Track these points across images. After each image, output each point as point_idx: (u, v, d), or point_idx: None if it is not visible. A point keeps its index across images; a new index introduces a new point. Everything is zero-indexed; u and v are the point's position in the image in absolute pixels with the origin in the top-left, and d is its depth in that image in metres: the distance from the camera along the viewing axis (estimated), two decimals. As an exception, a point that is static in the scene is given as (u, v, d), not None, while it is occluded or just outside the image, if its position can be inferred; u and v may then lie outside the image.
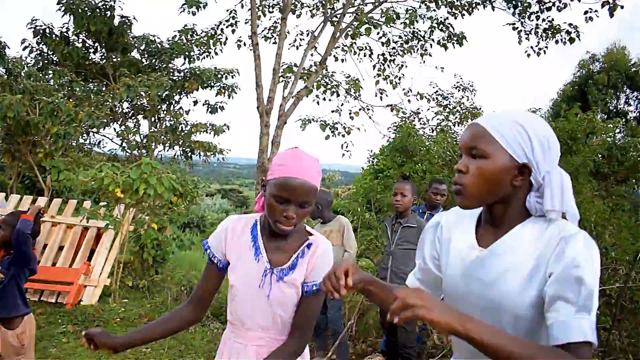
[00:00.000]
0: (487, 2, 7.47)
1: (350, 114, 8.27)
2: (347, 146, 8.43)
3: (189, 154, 10.11)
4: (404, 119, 7.73)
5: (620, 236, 4.39)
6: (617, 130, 7.53)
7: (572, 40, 6.65)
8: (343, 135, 8.14)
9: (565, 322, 1.13)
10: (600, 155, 5.91)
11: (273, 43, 8.86)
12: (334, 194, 20.21)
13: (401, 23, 7.65)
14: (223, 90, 9.99)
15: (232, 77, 10.03)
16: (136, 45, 9.18)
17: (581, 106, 6.54)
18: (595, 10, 6.27)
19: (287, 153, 1.70)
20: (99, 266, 5.75)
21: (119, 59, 9.04)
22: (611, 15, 5.90)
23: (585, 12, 6.47)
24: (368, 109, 8.74)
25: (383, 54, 8.90)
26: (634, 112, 19.30)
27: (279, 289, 1.69)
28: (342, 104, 8.55)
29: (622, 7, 5.86)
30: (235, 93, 10.16)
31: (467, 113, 6.77)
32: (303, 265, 1.71)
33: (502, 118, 1.30)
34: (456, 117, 6.77)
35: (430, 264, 1.51)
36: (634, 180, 6.96)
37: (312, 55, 7.69)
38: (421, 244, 1.55)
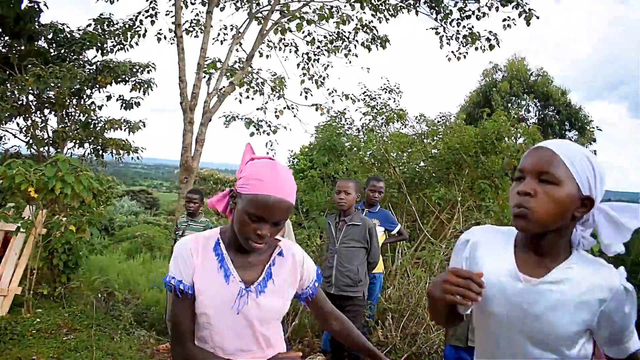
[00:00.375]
0: (411, 7, 7.68)
1: (275, 112, 8.16)
2: (271, 145, 8.32)
3: (100, 152, 9.49)
4: (331, 118, 7.73)
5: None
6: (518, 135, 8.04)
7: (491, 47, 7.00)
8: (268, 134, 8.03)
9: (633, 344, 1.34)
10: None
11: (195, 37, 8.57)
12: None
13: (334, 22, 7.67)
14: (138, 86, 9.47)
15: (148, 72, 9.55)
16: (44, 33, 8.45)
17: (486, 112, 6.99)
18: (513, 19, 6.65)
19: (264, 166, 1.53)
20: (9, 273, 5.19)
21: (24, 48, 8.27)
22: (527, 24, 6.27)
23: (504, 20, 6.85)
24: (292, 108, 8.69)
25: (307, 53, 8.90)
26: (534, 118, 20.80)
27: (257, 307, 1.56)
28: (266, 102, 8.44)
29: (537, 17, 6.24)
30: (152, 89, 9.69)
31: (392, 115, 6.89)
32: (282, 274, 1.62)
33: (572, 148, 1.31)
34: (382, 118, 6.88)
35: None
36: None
37: (237, 50, 7.50)
38: (453, 259, 1.54)
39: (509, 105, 21.65)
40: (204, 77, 7.08)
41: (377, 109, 6.92)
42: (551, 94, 21.73)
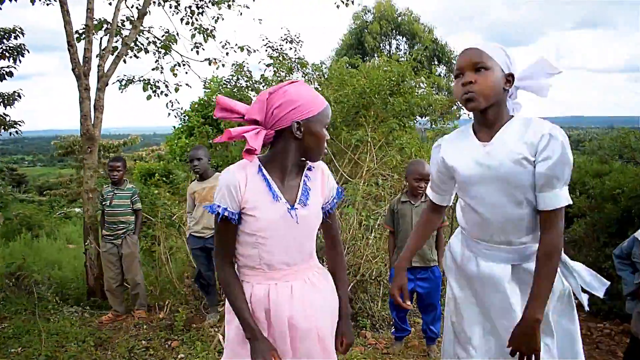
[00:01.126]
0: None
1: (172, 71, 7.92)
2: (172, 105, 8.13)
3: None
4: (235, 71, 7.69)
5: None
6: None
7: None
8: (166, 95, 7.81)
9: (557, 194, 1.72)
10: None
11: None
12: (137, 157, 19.17)
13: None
14: (7, 54, 8.60)
15: (16, 38, 8.67)
16: None
17: (361, 53, 7.46)
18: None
19: (304, 89, 1.73)
20: None
21: None
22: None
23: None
24: (184, 64, 8.46)
25: (190, 7, 8.61)
26: (403, 57, 21.93)
27: (302, 220, 1.77)
28: (156, 60, 8.12)
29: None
30: (23, 56, 8.84)
31: (293, 65, 7.08)
32: (316, 187, 1.84)
33: (489, 44, 1.79)
34: (285, 69, 7.02)
35: (437, 176, 2.03)
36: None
37: (125, 7, 7.09)
38: (431, 164, 2.07)
39: (381, 45, 22.59)
40: (95, 39, 6.67)
41: (280, 60, 7.04)
42: (417, 32, 23.00)
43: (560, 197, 1.71)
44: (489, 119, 1.81)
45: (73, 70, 6.43)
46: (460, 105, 1.92)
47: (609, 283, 1.90)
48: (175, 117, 12.05)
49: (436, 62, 22.09)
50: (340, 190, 1.96)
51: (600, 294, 1.87)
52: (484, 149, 1.81)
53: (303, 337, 1.79)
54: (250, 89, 7.50)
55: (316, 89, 6.74)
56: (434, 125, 8.02)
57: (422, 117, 7.98)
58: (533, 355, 1.70)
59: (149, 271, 6.29)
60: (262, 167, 1.76)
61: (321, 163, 1.90)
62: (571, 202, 1.75)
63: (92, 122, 6.52)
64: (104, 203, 5.17)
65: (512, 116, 1.85)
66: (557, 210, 1.71)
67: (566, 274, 1.90)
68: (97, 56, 6.56)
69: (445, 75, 22.01)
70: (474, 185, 1.84)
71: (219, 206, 1.70)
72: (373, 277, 4.68)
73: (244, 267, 1.81)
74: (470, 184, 1.85)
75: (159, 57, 8.14)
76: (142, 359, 4.01)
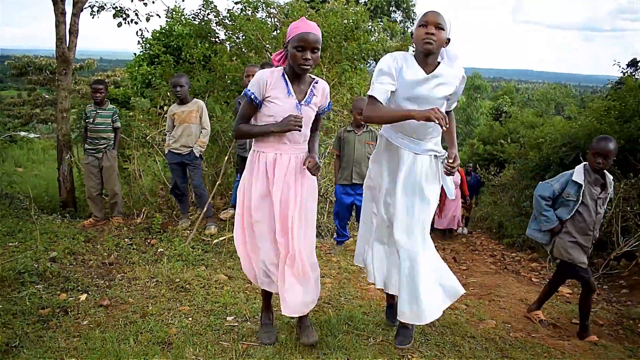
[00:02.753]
0: None
1: (143, 0, 8.25)
2: (141, 33, 8.53)
3: None
4: (204, 3, 8.12)
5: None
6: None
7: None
8: (136, 22, 8.19)
9: (452, 105, 2.96)
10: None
11: None
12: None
13: None
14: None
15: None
16: None
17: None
18: None
19: (295, 22, 2.62)
20: None
21: None
22: None
23: None
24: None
25: None
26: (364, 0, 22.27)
27: (305, 112, 2.72)
28: (125, -11, 8.44)
29: None
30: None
31: (258, 4, 7.62)
32: (318, 94, 2.78)
33: (443, 14, 2.67)
34: (251, 7, 7.54)
35: (392, 73, 2.74)
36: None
37: None
38: (382, 64, 2.78)
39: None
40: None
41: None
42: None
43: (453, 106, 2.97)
44: (431, 59, 2.75)
45: (50, -6, 6.78)
46: (415, 44, 2.79)
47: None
48: (138, 43, 12.32)
49: (394, 8, 22.53)
50: (330, 103, 2.93)
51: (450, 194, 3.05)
52: (426, 76, 2.75)
53: (290, 191, 2.77)
54: (217, 24, 7.99)
55: (279, 28, 7.37)
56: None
57: (375, 61, 8.75)
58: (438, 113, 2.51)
59: (123, 186, 6.96)
60: (285, 73, 2.70)
61: (324, 83, 2.84)
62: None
63: (67, 45, 6.95)
64: (87, 120, 5.77)
65: (439, 62, 2.82)
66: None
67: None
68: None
69: (401, 21, 22.57)
70: (415, 98, 2.75)
71: (249, 90, 2.68)
72: (321, 194, 5.59)
73: (261, 141, 2.77)
74: (412, 96, 2.75)
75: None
76: (127, 252, 4.82)
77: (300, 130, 2.68)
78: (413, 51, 2.88)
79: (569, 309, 4.69)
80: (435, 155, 2.89)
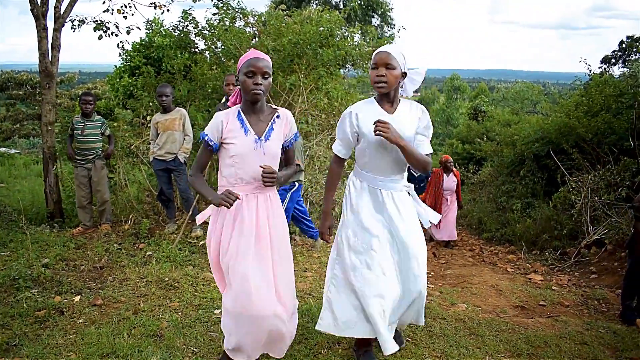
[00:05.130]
0: None
1: (120, 12, 8.43)
2: (122, 45, 8.70)
3: None
4: (183, 16, 8.35)
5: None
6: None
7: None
8: (117, 35, 8.37)
9: (425, 144, 2.83)
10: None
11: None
12: (75, 95, 19.09)
13: None
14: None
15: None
16: None
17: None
18: None
19: (246, 54, 2.58)
20: None
21: None
22: None
23: None
24: (130, 5, 8.95)
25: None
26: (341, 4, 22.63)
27: (267, 147, 2.61)
28: (104, 2, 8.59)
29: None
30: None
31: (236, 14, 7.87)
32: (280, 128, 2.68)
33: (395, 50, 2.69)
34: (229, 18, 7.78)
35: (350, 136, 2.82)
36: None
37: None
38: (342, 126, 2.85)
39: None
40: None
41: (224, 9, 7.79)
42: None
43: (428, 147, 2.85)
44: (390, 98, 2.77)
45: (32, 11, 6.95)
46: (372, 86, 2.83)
47: (439, 217, 3.09)
48: (119, 55, 12.47)
49: (371, 13, 22.92)
50: (296, 134, 2.81)
51: (426, 224, 2.97)
52: (391, 116, 2.75)
53: (263, 231, 2.64)
54: (196, 34, 8.21)
55: (258, 37, 7.63)
56: (363, 74, 9.09)
57: (353, 66, 9.02)
58: (387, 132, 2.56)
59: (110, 194, 7.14)
60: (241, 112, 2.62)
61: (287, 113, 2.73)
62: (431, 150, 2.86)
63: (50, 60, 7.12)
64: (75, 131, 5.96)
65: (400, 98, 2.85)
66: (428, 154, 2.81)
67: (416, 204, 3.00)
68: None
69: (379, 25, 22.97)
70: (377, 143, 2.74)
71: (206, 135, 2.60)
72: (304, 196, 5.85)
73: (227, 183, 2.64)
74: (373, 142, 2.74)
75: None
76: (117, 256, 5.02)
77: (229, 207, 2.50)
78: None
79: (538, 292, 4.98)
80: (407, 191, 2.94)
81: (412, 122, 2.79)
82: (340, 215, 2.99)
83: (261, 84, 2.51)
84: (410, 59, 2.80)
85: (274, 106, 2.76)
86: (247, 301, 2.56)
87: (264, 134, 2.62)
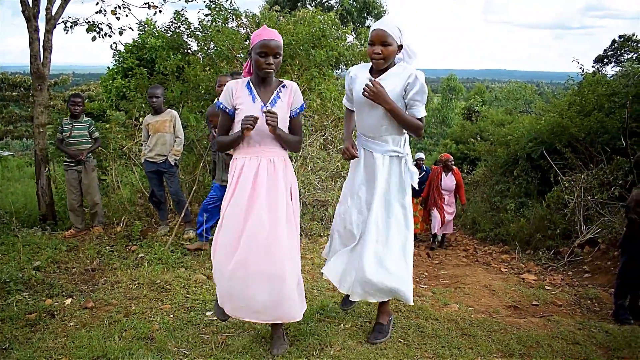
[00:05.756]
0: None
1: (113, 13, 8.40)
2: (116, 46, 8.67)
3: None
4: (176, 17, 8.32)
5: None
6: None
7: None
8: (110, 36, 8.33)
9: (419, 109, 2.94)
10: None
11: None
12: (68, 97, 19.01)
13: None
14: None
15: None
16: None
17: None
18: None
19: (257, 30, 2.79)
20: None
21: None
22: None
23: None
24: (124, 6, 8.92)
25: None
26: (336, 5, 22.62)
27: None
28: (97, 3, 8.55)
29: None
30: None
31: (229, 14, 7.85)
32: (284, 98, 2.88)
33: (390, 25, 2.85)
34: (221, 19, 7.77)
35: (348, 91, 3.18)
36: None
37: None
38: (346, 84, 3.20)
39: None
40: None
41: (216, 10, 7.78)
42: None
43: (420, 111, 2.94)
44: (382, 68, 2.94)
45: (23, 12, 6.91)
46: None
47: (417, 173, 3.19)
48: (113, 57, 12.44)
49: (366, 14, 22.93)
50: (302, 105, 2.99)
51: (415, 184, 3.14)
52: (370, 78, 2.93)
53: (262, 190, 2.80)
54: (189, 35, 8.19)
55: (245, 37, 7.62)
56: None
57: (346, 67, 9.02)
58: (375, 90, 2.80)
59: (102, 197, 7.10)
60: (250, 81, 2.87)
61: (293, 84, 2.93)
62: (425, 114, 2.99)
63: (42, 62, 7.08)
64: (63, 133, 5.93)
65: (395, 63, 2.99)
66: (421, 118, 2.96)
67: (406, 170, 3.11)
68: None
69: (372, 26, 22.92)
70: (363, 102, 2.98)
71: (220, 103, 2.88)
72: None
73: (236, 149, 2.88)
74: (360, 101, 3.01)
75: (100, 1, 8.59)
76: (109, 258, 4.99)
77: (252, 127, 2.69)
78: None
79: (531, 292, 4.99)
80: (397, 156, 3.05)
81: (398, 85, 2.90)
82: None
83: (272, 64, 2.74)
84: (406, 31, 2.94)
85: (281, 79, 2.96)
86: (229, 248, 2.81)
87: (270, 101, 2.84)
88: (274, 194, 2.82)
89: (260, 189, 2.80)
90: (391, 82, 2.91)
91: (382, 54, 2.83)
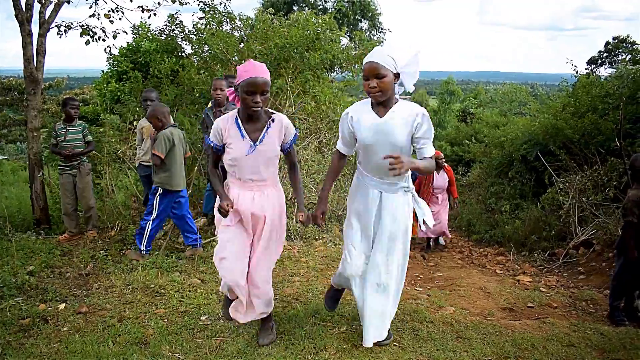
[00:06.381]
0: None
1: (107, 17, 8.37)
2: (110, 50, 8.64)
3: None
4: (170, 20, 8.31)
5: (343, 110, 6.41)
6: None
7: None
8: (104, 40, 8.31)
9: (428, 148, 2.86)
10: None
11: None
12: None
13: None
14: None
15: None
16: None
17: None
18: None
19: (244, 65, 2.77)
20: None
21: None
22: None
23: None
24: (118, 10, 8.90)
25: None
26: (332, 9, 22.62)
27: (260, 152, 2.87)
28: (91, 6, 8.53)
29: None
30: None
31: (223, 18, 7.86)
32: (274, 132, 2.89)
33: (383, 55, 2.73)
34: (216, 22, 7.77)
35: (347, 135, 3.00)
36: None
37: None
38: (342, 126, 3.04)
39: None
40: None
41: (210, 14, 7.78)
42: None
43: (430, 150, 2.87)
44: (385, 102, 2.83)
45: (16, 16, 6.89)
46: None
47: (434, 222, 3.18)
48: (107, 60, 12.42)
49: (360, 17, 22.96)
50: (295, 135, 3.04)
51: (430, 222, 3.11)
52: (381, 120, 2.84)
53: (258, 222, 2.99)
54: (183, 39, 8.19)
55: (245, 41, 7.62)
56: (348, 77, 9.11)
57: (340, 70, 9.03)
58: (401, 164, 2.57)
59: (97, 201, 7.07)
60: (238, 117, 2.88)
61: (283, 119, 2.94)
62: (433, 152, 2.88)
63: (35, 66, 7.05)
64: (57, 138, 5.90)
65: (397, 100, 2.89)
66: (432, 156, 2.88)
67: (415, 204, 3.09)
68: (41, 3, 7.01)
69: (367, 29, 23.02)
70: (375, 143, 2.86)
71: (211, 141, 2.93)
72: (289, 199, 5.82)
73: (230, 177, 2.98)
74: (371, 142, 2.87)
75: (93, 3, 8.57)
76: (103, 262, 4.97)
77: (224, 217, 2.85)
78: None
79: (526, 294, 4.99)
80: (405, 190, 3.01)
81: (406, 126, 2.81)
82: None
83: (260, 102, 2.75)
84: (400, 57, 2.83)
85: (271, 111, 2.97)
86: (220, 261, 3.01)
87: (259, 139, 2.86)
88: (264, 225, 3.01)
89: (255, 221, 3.00)
90: (398, 122, 2.82)
91: (378, 87, 2.73)
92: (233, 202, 2.90)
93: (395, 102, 2.87)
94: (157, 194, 4.95)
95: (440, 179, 8.00)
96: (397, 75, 2.79)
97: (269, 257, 3.07)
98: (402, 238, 3.04)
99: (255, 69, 2.71)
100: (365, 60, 2.80)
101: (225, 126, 2.86)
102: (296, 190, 3.14)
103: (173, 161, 4.94)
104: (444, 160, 8.16)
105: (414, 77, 2.83)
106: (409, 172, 2.99)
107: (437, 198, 8.08)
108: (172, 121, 5.16)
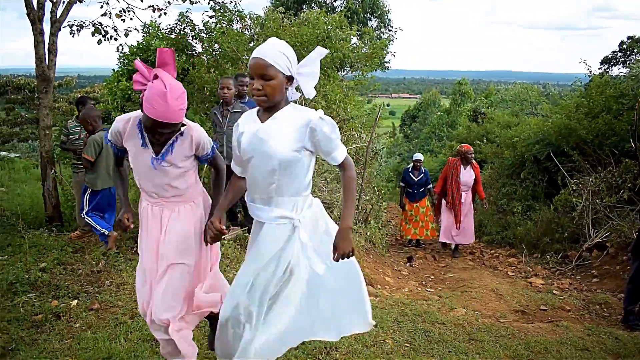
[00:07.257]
0: None
1: (118, 17, 8.42)
2: (122, 49, 8.68)
3: None
4: (180, 19, 8.34)
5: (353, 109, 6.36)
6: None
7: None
8: (116, 39, 8.35)
9: (338, 151, 2.21)
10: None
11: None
12: (73, 99, 19.07)
13: None
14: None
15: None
16: None
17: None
18: None
19: (157, 94, 2.23)
20: None
21: None
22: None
23: None
24: (129, 10, 8.95)
25: (134, -46, 9.00)
26: (340, 7, 22.62)
27: (161, 168, 2.48)
28: (102, 6, 8.58)
29: None
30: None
31: (233, 16, 7.87)
32: (183, 147, 2.49)
33: (274, 51, 2.10)
34: (226, 20, 7.78)
35: (237, 151, 2.35)
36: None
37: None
38: (234, 141, 2.38)
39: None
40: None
41: (221, 12, 7.79)
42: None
43: (340, 153, 2.24)
44: (272, 109, 2.21)
45: (28, 15, 6.93)
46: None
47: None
48: (118, 59, 12.48)
49: (369, 15, 22.88)
50: (215, 146, 2.68)
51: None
52: (262, 125, 2.22)
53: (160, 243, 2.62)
54: (194, 37, 8.20)
55: (255, 40, 7.62)
56: (359, 75, 9.09)
57: (351, 69, 9.01)
58: (350, 253, 2.18)
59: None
60: (141, 122, 2.44)
61: (195, 129, 2.52)
62: (346, 154, 2.26)
63: (47, 64, 7.10)
64: (70, 137, 5.93)
65: (290, 102, 2.25)
66: (344, 160, 2.26)
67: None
68: (53, 2, 7.05)
69: (377, 27, 22.93)
70: (253, 156, 2.24)
71: (109, 141, 2.59)
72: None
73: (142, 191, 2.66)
74: (250, 156, 2.24)
75: (104, 3, 8.62)
76: (115, 260, 4.99)
77: (125, 231, 2.57)
78: None
79: (538, 297, 4.95)
80: (293, 224, 2.25)
81: (291, 134, 2.17)
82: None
83: (160, 139, 2.42)
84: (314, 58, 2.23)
85: (187, 122, 2.52)
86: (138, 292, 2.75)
87: (161, 153, 2.48)
88: (168, 244, 2.61)
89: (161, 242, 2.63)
90: (280, 128, 2.18)
91: (264, 90, 2.11)
92: (143, 213, 2.66)
93: (283, 104, 2.23)
94: (87, 193, 5.43)
95: (467, 175, 7.55)
96: (290, 79, 2.18)
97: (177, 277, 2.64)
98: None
99: (165, 108, 2.26)
100: (252, 55, 2.16)
101: (125, 127, 2.48)
102: (215, 198, 2.74)
103: (101, 164, 5.34)
104: (473, 155, 7.70)
105: (314, 79, 2.23)
106: (307, 202, 2.31)
107: (463, 195, 7.62)
108: (102, 125, 5.44)
